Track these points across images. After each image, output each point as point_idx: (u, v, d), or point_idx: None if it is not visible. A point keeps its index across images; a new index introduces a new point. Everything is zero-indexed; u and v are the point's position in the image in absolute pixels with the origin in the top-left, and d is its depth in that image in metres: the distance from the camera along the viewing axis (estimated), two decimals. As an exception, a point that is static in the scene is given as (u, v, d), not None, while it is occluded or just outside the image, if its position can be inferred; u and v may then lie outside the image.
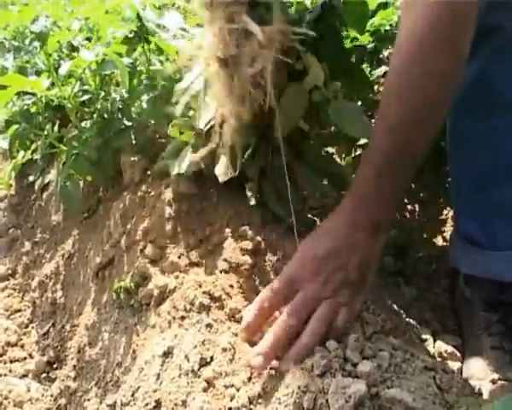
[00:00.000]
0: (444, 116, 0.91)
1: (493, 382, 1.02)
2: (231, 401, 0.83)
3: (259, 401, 0.81)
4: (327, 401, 0.71)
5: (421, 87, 0.81)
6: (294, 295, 0.83)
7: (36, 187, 1.56)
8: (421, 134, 0.84)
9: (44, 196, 1.57)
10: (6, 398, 1.15)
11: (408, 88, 0.82)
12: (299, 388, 0.74)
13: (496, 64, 0.96)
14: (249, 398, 0.82)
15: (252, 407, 0.81)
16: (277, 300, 0.85)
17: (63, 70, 1.23)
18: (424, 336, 1.13)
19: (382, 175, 0.82)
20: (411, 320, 1.14)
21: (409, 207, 1.39)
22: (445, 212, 1.38)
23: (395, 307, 1.12)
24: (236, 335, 0.91)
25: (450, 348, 1.12)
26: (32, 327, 1.35)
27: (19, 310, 1.41)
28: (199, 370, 0.88)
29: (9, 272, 1.51)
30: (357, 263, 0.83)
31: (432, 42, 0.80)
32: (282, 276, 0.86)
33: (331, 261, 0.83)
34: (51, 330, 1.30)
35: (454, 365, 1.09)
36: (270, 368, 0.80)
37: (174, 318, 0.99)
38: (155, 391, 0.92)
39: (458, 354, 1.12)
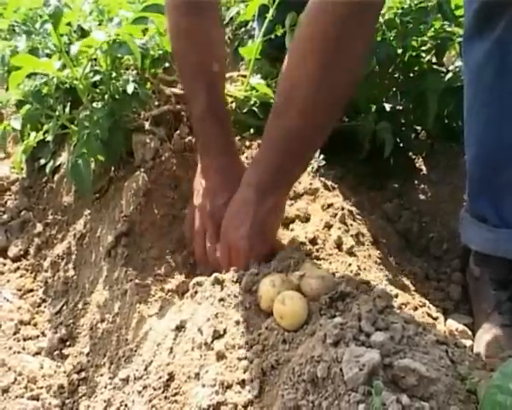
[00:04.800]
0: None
1: (503, 359, 1.02)
2: (244, 373, 0.84)
3: (273, 372, 0.82)
4: (340, 369, 0.71)
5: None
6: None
7: (47, 170, 1.56)
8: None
9: (56, 178, 1.58)
10: (20, 374, 1.16)
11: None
12: (312, 357, 0.74)
13: (509, 36, 0.96)
14: (262, 369, 0.82)
15: (265, 378, 0.82)
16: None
17: (74, 49, 1.24)
18: (435, 315, 1.13)
19: (272, 153, 1.00)
20: (423, 299, 1.15)
21: (420, 187, 1.39)
22: (456, 193, 1.38)
23: (407, 284, 1.13)
24: (249, 308, 0.92)
25: (461, 327, 1.13)
26: (45, 306, 1.36)
27: (31, 290, 1.41)
28: (212, 343, 0.89)
29: (21, 252, 1.51)
30: (252, 218, 1.01)
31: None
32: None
33: (235, 219, 1.04)
34: (64, 308, 1.30)
35: (465, 343, 1.09)
36: None
37: (187, 292, 1.00)
38: (168, 364, 0.93)
39: (469, 333, 1.12)
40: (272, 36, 1.43)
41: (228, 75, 1.52)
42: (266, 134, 1.03)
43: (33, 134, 1.48)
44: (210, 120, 1.14)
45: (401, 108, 1.48)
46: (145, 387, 0.95)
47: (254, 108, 1.45)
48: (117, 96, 1.33)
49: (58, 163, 1.58)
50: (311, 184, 1.27)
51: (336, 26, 0.89)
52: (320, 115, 0.96)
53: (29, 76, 1.41)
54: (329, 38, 0.90)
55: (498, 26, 0.97)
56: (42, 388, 1.15)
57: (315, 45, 0.91)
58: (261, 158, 1.04)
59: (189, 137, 1.30)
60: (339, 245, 1.11)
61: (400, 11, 1.43)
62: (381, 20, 1.41)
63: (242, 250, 1.02)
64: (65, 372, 1.18)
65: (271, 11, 1.38)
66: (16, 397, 1.12)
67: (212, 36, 1.16)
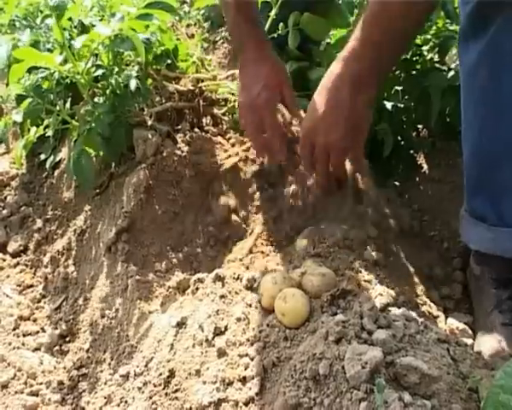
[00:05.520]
0: None
1: (504, 358, 1.02)
2: (245, 369, 0.84)
3: (274, 369, 0.82)
4: (343, 367, 0.71)
5: None
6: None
7: (47, 165, 1.56)
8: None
9: (56, 173, 1.57)
10: (19, 370, 1.16)
11: None
12: (314, 355, 0.75)
13: (505, 35, 0.96)
14: (263, 367, 0.82)
15: (266, 375, 0.82)
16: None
17: (78, 43, 1.24)
18: (436, 313, 1.13)
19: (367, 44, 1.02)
20: (424, 297, 1.14)
21: (421, 186, 1.39)
22: (457, 191, 1.37)
23: (408, 282, 1.12)
24: (250, 305, 0.91)
25: (461, 325, 1.13)
26: (45, 302, 1.35)
27: (31, 285, 1.41)
28: (213, 339, 0.89)
29: (21, 248, 1.51)
30: (346, 119, 1.06)
31: None
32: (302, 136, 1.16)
33: (327, 120, 1.07)
34: (63, 304, 1.30)
35: (466, 341, 1.09)
36: None
37: (188, 288, 0.99)
38: (169, 361, 0.93)
39: (470, 332, 1.12)
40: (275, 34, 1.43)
41: (229, 73, 1.52)
42: (359, 33, 1.04)
43: (34, 129, 1.47)
44: (240, 21, 1.26)
45: (402, 105, 1.47)
46: (145, 383, 0.95)
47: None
48: (118, 92, 1.33)
49: (58, 159, 1.57)
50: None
51: None
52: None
53: (30, 71, 1.40)
54: None
55: (492, 27, 0.97)
56: (41, 384, 1.15)
57: None
58: (354, 55, 1.05)
59: (191, 134, 1.30)
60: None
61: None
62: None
63: (339, 151, 1.10)
64: (65, 368, 1.18)
65: (275, 10, 1.38)
66: (16, 393, 1.12)
67: None
